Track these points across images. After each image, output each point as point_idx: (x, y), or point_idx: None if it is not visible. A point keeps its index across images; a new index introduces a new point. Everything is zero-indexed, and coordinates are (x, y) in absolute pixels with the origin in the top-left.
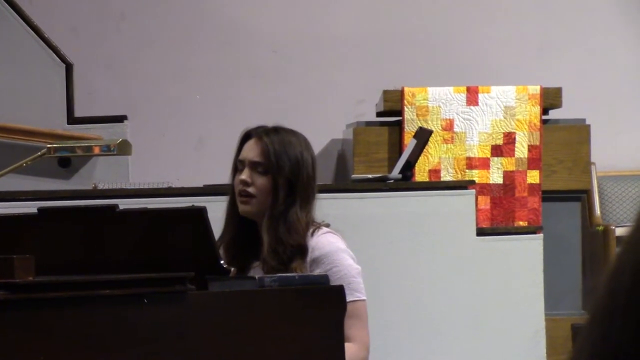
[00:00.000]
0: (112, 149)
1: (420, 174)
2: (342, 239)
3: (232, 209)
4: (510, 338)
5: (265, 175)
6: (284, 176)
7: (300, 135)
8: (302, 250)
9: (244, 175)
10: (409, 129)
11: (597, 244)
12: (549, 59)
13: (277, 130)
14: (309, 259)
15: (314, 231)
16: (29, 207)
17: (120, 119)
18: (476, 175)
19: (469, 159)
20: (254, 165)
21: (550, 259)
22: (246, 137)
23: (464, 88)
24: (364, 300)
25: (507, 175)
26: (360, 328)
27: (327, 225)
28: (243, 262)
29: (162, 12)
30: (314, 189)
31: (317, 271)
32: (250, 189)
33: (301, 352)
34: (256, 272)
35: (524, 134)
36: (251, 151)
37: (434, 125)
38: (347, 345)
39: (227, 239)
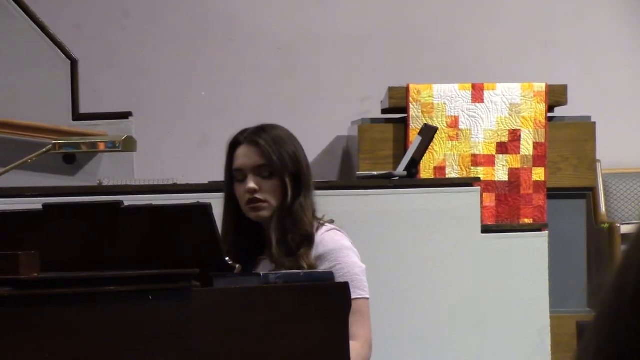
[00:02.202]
0: (117, 145)
1: (426, 171)
2: (347, 236)
3: (234, 215)
4: (516, 335)
5: (271, 177)
6: (289, 172)
7: (281, 127)
8: (309, 238)
9: (251, 184)
10: (414, 126)
11: (602, 241)
12: (555, 57)
13: (264, 129)
14: (313, 254)
15: (318, 228)
16: (34, 204)
17: (125, 115)
18: (481, 172)
19: (474, 156)
20: (257, 170)
21: (556, 257)
22: (235, 144)
23: (469, 85)
24: (367, 298)
25: (513, 172)
26: (363, 325)
27: (332, 222)
28: (248, 257)
29: (167, 9)
30: (311, 175)
31: (321, 268)
32: (260, 195)
33: (306, 348)
34: (262, 265)
35: (529, 131)
36: (249, 157)
37: (439, 122)
38: (350, 342)
39: (232, 238)
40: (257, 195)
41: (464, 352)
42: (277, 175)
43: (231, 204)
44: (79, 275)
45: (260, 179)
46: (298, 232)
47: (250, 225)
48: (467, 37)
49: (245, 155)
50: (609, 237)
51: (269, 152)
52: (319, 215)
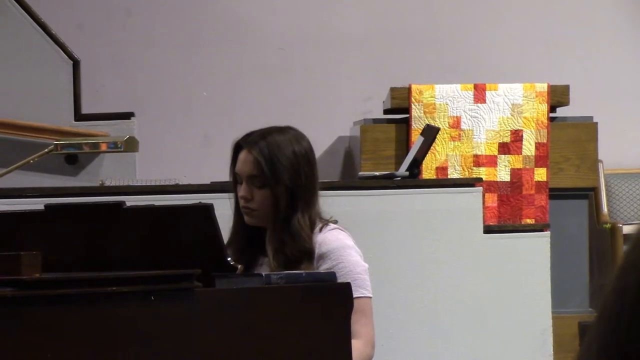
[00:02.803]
0: (119, 145)
1: (428, 172)
2: (350, 236)
3: (237, 215)
4: (518, 336)
5: (263, 188)
6: (283, 184)
7: (289, 130)
8: (308, 254)
9: (243, 192)
10: (416, 126)
11: (604, 241)
12: (557, 57)
13: (264, 135)
14: (316, 254)
15: (322, 227)
16: (36, 204)
17: (127, 115)
18: (483, 172)
19: (476, 156)
20: (250, 180)
21: (558, 257)
22: (237, 148)
23: (471, 85)
24: (369, 297)
25: (515, 172)
26: (366, 324)
27: (335, 222)
28: (251, 257)
29: (169, 9)
30: (315, 186)
31: (324, 266)
32: (251, 204)
33: (308, 348)
34: (264, 268)
35: (531, 131)
36: (244, 165)
37: (441, 122)
38: (352, 341)
39: (235, 237)
40: (249, 204)
41: (465, 353)
42: (268, 188)
43: (236, 201)
44: (81, 276)
45: (253, 188)
46: (296, 247)
47: (254, 226)
48: (469, 37)
49: (242, 162)
50: (611, 237)
51: (260, 164)
52: (325, 217)
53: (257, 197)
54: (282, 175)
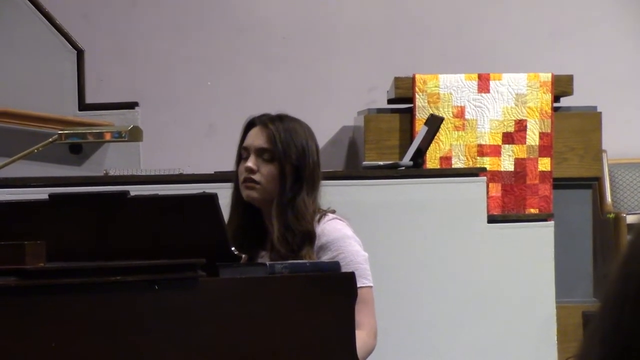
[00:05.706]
0: (123, 135)
1: (432, 161)
2: (348, 225)
3: (237, 197)
4: (521, 325)
5: (271, 162)
6: (291, 163)
7: (303, 123)
8: (310, 237)
9: (250, 163)
10: (420, 116)
11: (608, 231)
12: (561, 47)
13: (281, 118)
14: (315, 246)
15: (320, 218)
16: (40, 194)
17: (132, 105)
18: (487, 162)
19: (480, 146)
20: (260, 152)
21: (561, 247)
22: (250, 125)
23: (475, 75)
24: (370, 286)
25: (519, 162)
26: (368, 314)
27: (333, 212)
28: (250, 251)
29: None
30: (319, 176)
31: (324, 258)
32: (256, 176)
33: (312, 338)
34: (264, 261)
35: (535, 121)
36: (257, 138)
37: (445, 112)
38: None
39: (233, 227)
40: (253, 176)
41: (469, 342)
42: (277, 162)
43: (236, 181)
44: (85, 265)
45: (261, 161)
46: (299, 228)
47: (252, 213)
48: (474, 27)
49: (254, 136)
50: (615, 227)
51: (274, 138)
52: (323, 207)
53: (263, 170)
54: (292, 154)
